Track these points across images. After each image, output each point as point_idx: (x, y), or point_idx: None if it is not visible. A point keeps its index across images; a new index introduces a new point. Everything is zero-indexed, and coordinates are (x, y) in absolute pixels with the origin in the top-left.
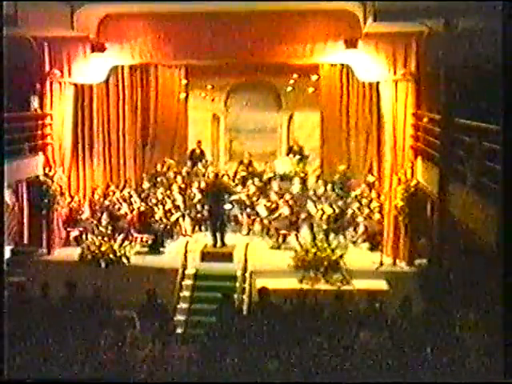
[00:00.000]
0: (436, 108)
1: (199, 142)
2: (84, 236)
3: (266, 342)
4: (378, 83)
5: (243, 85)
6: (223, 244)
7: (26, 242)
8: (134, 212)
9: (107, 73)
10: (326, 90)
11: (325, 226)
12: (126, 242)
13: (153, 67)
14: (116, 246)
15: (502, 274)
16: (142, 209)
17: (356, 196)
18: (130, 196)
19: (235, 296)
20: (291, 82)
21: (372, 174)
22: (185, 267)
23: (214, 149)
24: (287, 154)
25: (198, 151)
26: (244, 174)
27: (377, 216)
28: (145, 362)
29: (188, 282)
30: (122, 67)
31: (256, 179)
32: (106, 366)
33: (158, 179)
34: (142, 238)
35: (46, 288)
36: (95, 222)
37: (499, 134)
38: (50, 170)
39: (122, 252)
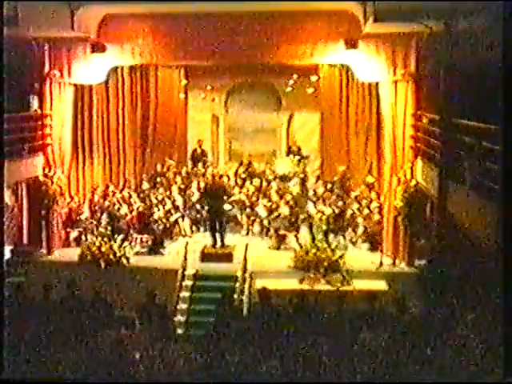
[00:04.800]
0: (436, 108)
1: (200, 141)
2: (84, 236)
3: (266, 342)
4: (377, 83)
5: (243, 85)
6: (223, 245)
7: (25, 242)
8: (134, 212)
9: (107, 73)
10: (326, 91)
11: (324, 227)
12: (126, 243)
13: (153, 67)
14: (116, 247)
15: (501, 274)
16: (142, 209)
17: (356, 196)
18: (130, 196)
19: (235, 296)
20: (291, 82)
21: (372, 175)
22: (184, 268)
23: (213, 149)
24: (287, 155)
25: (199, 151)
26: (244, 174)
27: (376, 216)
28: (145, 362)
29: (188, 282)
30: (122, 67)
31: (256, 179)
32: (106, 365)
33: (158, 180)
34: (141, 239)
35: (45, 288)
36: (95, 222)
37: (499, 133)
38: (49, 171)
39: (122, 252)
